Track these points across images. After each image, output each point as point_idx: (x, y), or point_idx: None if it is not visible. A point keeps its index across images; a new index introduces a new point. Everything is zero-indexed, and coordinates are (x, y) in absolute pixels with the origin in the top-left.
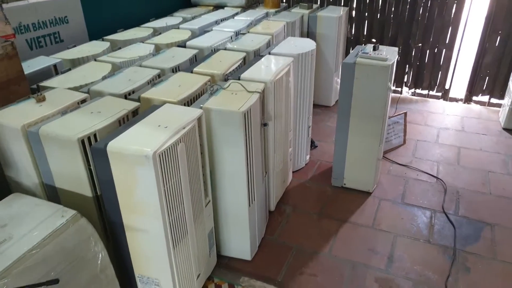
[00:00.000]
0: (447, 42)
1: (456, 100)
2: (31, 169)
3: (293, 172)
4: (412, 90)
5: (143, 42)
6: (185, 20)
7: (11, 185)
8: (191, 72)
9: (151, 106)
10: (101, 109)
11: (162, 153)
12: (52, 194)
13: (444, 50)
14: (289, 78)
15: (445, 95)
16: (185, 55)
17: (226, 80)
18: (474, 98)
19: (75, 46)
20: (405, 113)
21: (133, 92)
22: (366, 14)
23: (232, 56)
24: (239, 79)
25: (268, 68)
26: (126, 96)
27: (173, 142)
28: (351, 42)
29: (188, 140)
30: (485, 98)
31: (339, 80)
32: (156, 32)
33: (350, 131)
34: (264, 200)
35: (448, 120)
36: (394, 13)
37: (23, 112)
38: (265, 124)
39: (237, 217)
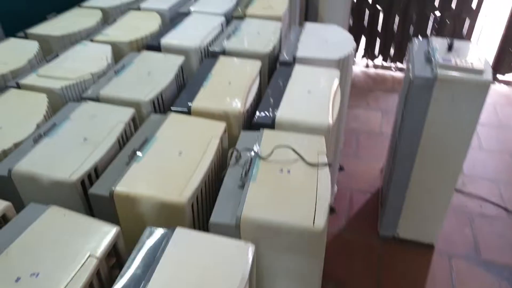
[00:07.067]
0: (473, 8)
1: None
2: None
3: None
4: None
5: (92, 40)
6: None
7: None
8: (188, 111)
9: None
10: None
11: None
12: None
13: (467, 19)
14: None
15: None
16: (166, 68)
17: (248, 123)
18: (499, 77)
19: None
20: None
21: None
22: None
23: (243, 69)
24: (272, 125)
25: (313, 96)
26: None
27: None
28: (352, 10)
29: None
30: None
31: None
32: (107, 16)
33: (416, 167)
34: None
35: None
36: None
37: None
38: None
39: None
